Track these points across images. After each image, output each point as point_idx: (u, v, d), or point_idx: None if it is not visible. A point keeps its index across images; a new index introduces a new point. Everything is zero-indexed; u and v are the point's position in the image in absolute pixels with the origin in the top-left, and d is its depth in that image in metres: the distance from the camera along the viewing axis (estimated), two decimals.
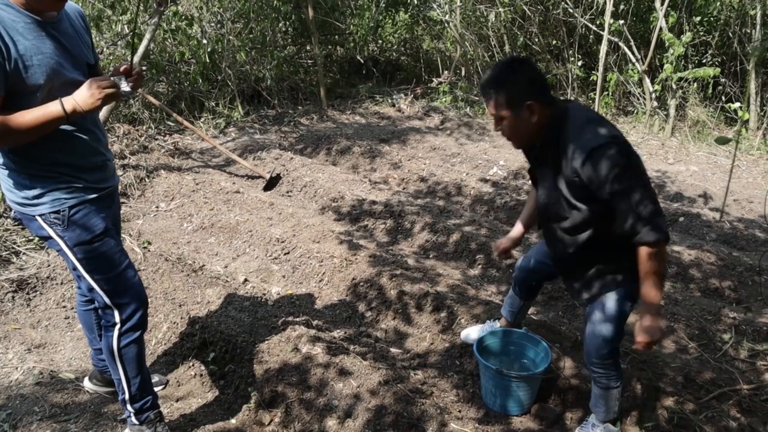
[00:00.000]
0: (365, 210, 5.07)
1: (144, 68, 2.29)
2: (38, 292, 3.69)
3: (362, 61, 9.11)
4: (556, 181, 2.27)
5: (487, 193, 5.50)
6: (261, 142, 6.65)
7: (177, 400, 2.90)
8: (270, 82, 7.85)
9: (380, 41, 9.79)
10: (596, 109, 7.31)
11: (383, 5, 8.95)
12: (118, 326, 2.35)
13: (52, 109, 2.00)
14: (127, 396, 2.45)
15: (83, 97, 2.01)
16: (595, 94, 7.44)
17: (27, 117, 1.97)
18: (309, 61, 8.80)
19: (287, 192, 5.61)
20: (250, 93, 7.94)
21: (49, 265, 3.88)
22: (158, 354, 3.27)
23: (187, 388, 3.04)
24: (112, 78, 2.12)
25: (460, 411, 2.86)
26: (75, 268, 2.28)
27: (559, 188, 2.26)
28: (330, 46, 9.16)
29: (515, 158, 6.32)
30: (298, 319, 3.55)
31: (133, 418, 2.49)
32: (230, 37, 7.49)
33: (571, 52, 8.06)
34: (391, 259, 4.21)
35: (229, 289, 3.80)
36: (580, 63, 7.91)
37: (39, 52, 2.01)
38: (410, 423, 2.66)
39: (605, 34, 6.84)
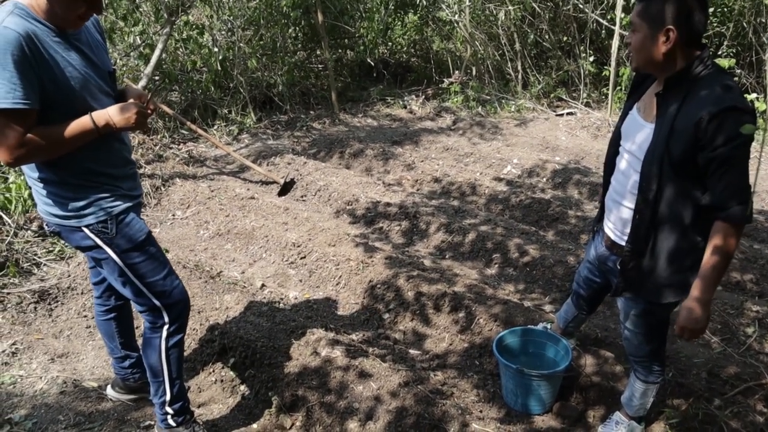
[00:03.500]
0: (380, 212, 5.07)
1: (155, 94, 2.36)
2: (59, 303, 3.72)
3: (372, 63, 9.11)
4: (664, 131, 2.04)
5: (501, 192, 5.47)
6: (274, 148, 6.67)
7: (198, 406, 2.92)
8: (281, 87, 7.87)
9: (390, 43, 9.78)
10: (609, 104, 7.27)
11: (392, 7, 8.96)
12: (166, 326, 2.42)
13: (83, 123, 2.05)
14: (168, 397, 2.51)
15: (118, 114, 2.08)
16: (607, 90, 7.39)
17: (61, 130, 2.01)
18: (320, 66, 8.82)
19: (302, 196, 5.62)
20: (262, 99, 7.97)
21: (69, 276, 3.92)
22: None
23: (208, 394, 3.05)
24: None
25: (481, 411, 2.84)
26: (122, 275, 2.32)
27: (665, 141, 2.03)
28: (340, 50, 9.17)
29: (529, 156, 6.30)
30: (316, 323, 3.56)
31: (171, 420, 2.54)
32: (241, 45, 7.53)
33: (582, 47, 8.01)
34: (408, 260, 4.21)
35: (246, 295, 3.81)
36: (591, 58, 7.85)
37: (69, 65, 2.04)
38: (431, 424, 2.65)
39: (617, 29, 6.79)
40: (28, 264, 3.98)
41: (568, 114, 7.74)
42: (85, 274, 3.92)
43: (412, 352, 3.34)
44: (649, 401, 2.59)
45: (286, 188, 5.48)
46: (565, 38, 8.41)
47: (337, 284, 4.08)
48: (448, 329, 3.52)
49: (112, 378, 2.96)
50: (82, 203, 2.19)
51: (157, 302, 2.38)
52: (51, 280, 3.87)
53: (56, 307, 3.69)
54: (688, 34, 1.98)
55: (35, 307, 3.63)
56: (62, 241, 4.24)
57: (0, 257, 3.88)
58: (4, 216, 4.18)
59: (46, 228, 2.35)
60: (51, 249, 4.18)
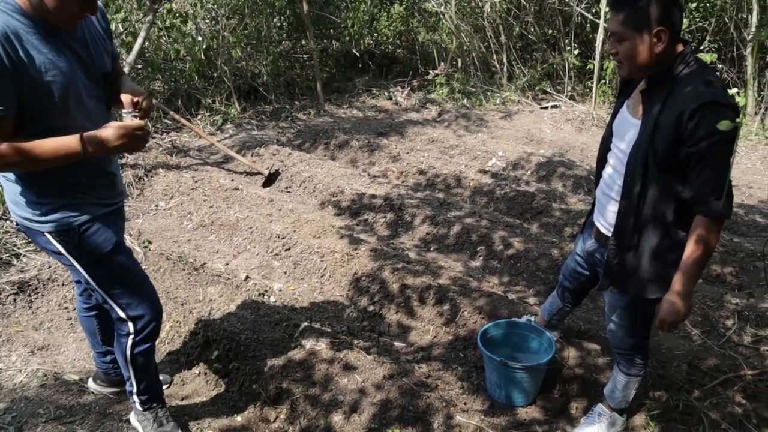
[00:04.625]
0: (365, 204, 5.06)
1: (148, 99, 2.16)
2: (40, 294, 3.68)
3: (358, 54, 9.08)
4: (648, 128, 2.06)
5: (486, 184, 5.49)
6: (259, 139, 6.63)
7: (182, 399, 2.90)
8: (266, 77, 7.82)
9: (375, 34, 9.75)
10: (593, 98, 7.30)
11: None
12: (132, 336, 2.35)
13: (70, 145, 1.89)
14: (134, 390, 2.50)
15: (112, 140, 1.93)
16: (592, 83, 7.43)
17: (43, 148, 1.87)
18: (305, 56, 8.77)
19: (286, 188, 5.60)
20: (247, 89, 7.91)
21: (50, 267, 3.87)
22: (162, 353, 3.27)
23: (192, 387, 3.04)
24: (123, 113, 2.04)
25: (465, 403, 2.86)
26: (88, 283, 2.25)
27: (650, 137, 2.04)
28: (325, 41, 9.12)
29: (513, 149, 6.31)
30: (301, 315, 3.55)
31: (138, 405, 2.54)
32: (225, 34, 7.46)
33: (567, 41, 8.04)
34: (393, 252, 4.21)
35: (230, 287, 3.79)
36: (576, 52, 7.89)
37: (54, 67, 1.88)
38: (416, 416, 2.67)
39: (601, 23, 6.82)
40: (7, 255, 3.93)
41: (552, 107, 7.77)
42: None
43: (397, 344, 3.35)
44: (631, 393, 2.61)
45: (270, 179, 5.45)
46: (550, 31, 8.43)
47: (321, 276, 4.08)
48: (433, 322, 3.53)
49: (94, 371, 2.93)
50: (45, 208, 2.08)
51: (122, 314, 2.30)
52: (31, 271, 3.83)
53: (36, 298, 3.64)
54: (673, 31, 2.00)
55: (14, 299, 3.58)
56: None
57: None
58: None
59: (16, 226, 2.26)
60: (30, 240, 4.12)
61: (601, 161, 2.43)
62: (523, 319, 3.20)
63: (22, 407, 2.74)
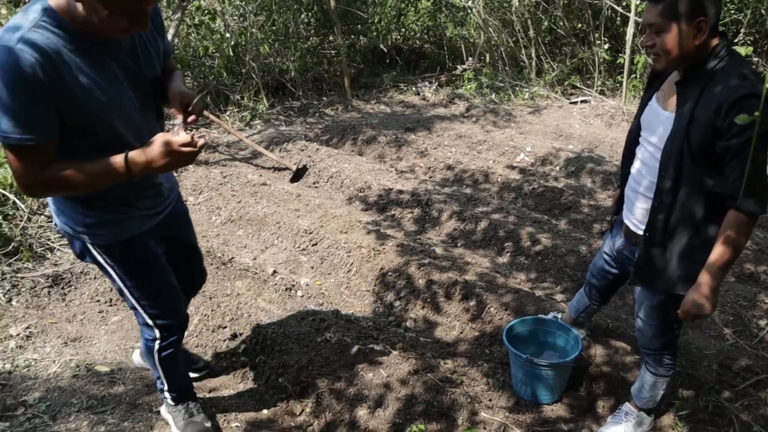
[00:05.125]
0: (392, 199, 5.06)
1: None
2: (73, 287, 3.76)
3: (385, 50, 9.07)
4: (683, 121, 2.00)
5: (514, 180, 5.45)
6: (287, 134, 6.67)
7: (209, 392, 2.94)
8: (294, 73, 7.86)
9: (403, 29, 9.72)
10: (624, 92, 7.19)
11: None
12: (158, 341, 2.39)
13: (114, 169, 1.78)
14: (165, 387, 2.56)
15: (157, 159, 1.78)
16: (622, 78, 7.31)
17: (84, 174, 1.76)
18: (332, 52, 8.78)
19: (314, 183, 5.63)
20: (275, 85, 7.96)
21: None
22: (190, 345, 3.32)
23: (219, 380, 3.08)
24: (172, 123, 1.91)
25: (490, 400, 2.85)
26: (120, 290, 2.26)
27: (685, 130, 2.00)
28: (353, 36, 9.13)
29: (542, 144, 6.25)
30: (327, 310, 3.57)
31: (170, 401, 2.59)
32: (253, 30, 7.51)
33: (597, 35, 7.92)
34: (419, 248, 4.21)
35: (258, 281, 3.83)
36: (606, 46, 7.76)
37: (98, 87, 1.75)
38: (440, 412, 2.67)
39: (632, 16, 6.70)
40: (42, 249, 4.02)
41: (582, 102, 7.67)
42: None
43: (423, 339, 3.35)
44: (659, 393, 2.58)
45: (298, 175, 5.49)
46: (579, 25, 8.30)
47: (348, 271, 4.09)
48: (459, 317, 3.52)
49: (134, 351, 3.04)
50: (89, 220, 2.02)
51: (149, 321, 2.33)
52: (64, 264, 3.91)
53: (69, 291, 3.72)
54: (713, 21, 1.96)
55: (49, 292, 3.67)
56: None
57: (14, 242, 3.92)
58: (18, 201, 4.22)
59: (54, 225, 2.27)
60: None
61: (628, 156, 2.39)
62: (550, 316, 3.17)
63: (55, 396, 2.81)
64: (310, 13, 8.50)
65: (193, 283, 2.72)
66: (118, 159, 1.77)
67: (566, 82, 8.10)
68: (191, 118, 1.96)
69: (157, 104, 2.04)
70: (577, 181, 5.55)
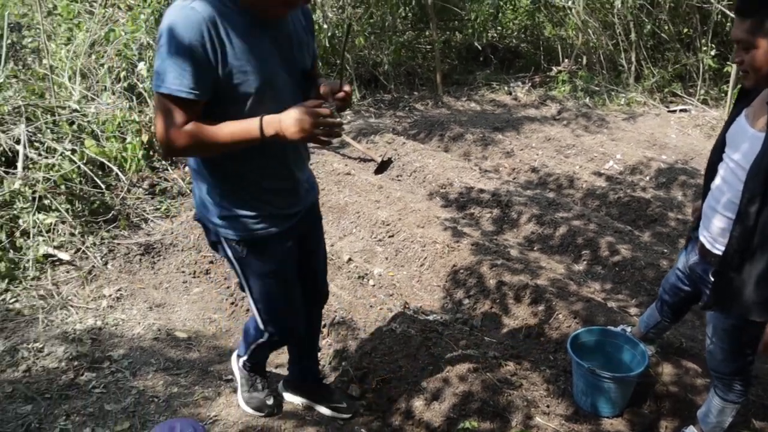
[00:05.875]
0: (473, 198, 5.07)
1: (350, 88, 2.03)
2: (162, 257, 4.02)
3: (480, 47, 9.02)
4: None
5: (600, 187, 5.32)
6: (375, 126, 6.78)
7: (276, 367, 3.09)
8: (387, 67, 7.97)
9: (500, 28, 9.63)
10: (728, 103, 6.83)
11: None
12: (261, 340, 2.43)
13: (249, 128, 1.79)
14: (245, 358, 2.62)
15: (290, 124, 1.77)
16: (727, 87, 6.95)
17: (222, 132, 1.79)
18: (427, 47, 8.83)
19: (397, 176, 5.71)
20: (368, 77, 8.10)
21: (172, 233, 4.22)
22: None
23: (285, 357, 3.21)
24: (325, 105, 1.84)
25: (548, 406, 2.83)
26: (242, 287, 2.28)
27: None
28: (448, 32, 9.13)
29: (633, 152, 6.06)
30: (396, 301, 3.65)
31: (242, 365, 2.67)
32: (351, 22, 7.66)
33: (703, 41, 7.55)
34: (494, 248, 4.20)
35: (332, 267, 3.95)
36: (713, 53, 7.39)
37: (256, 58, 1.81)
38: (495, 412, 2.68)
39: None
40: (138, 219, 4.32)
41: (681, 111, 7.35)
42: (187, 232, 4.20)
43: (487, 339, 3.36)
44: (727, 420, 2.48)
45: (383, 167, 5.57)
46: (685, 30, 7.94)
47: (421, 265, 4.15)
48: (526, 321, 3.51)
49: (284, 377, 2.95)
50: (224, 213, 2.04)
51: (261, 325, 2.34)
52: (156, 235, 4.19)
53: (158, 260, 3.98)
54: None
55: (140, 259, 3.94)
56: (168, 201, 4.57)
57: (113, 211, 4.23)
58: (120, 173, 4.55)
59: (194, 216, 2.26)
60: (158, 207, 4.51)
61: (711, 171, 2.31)
62: (619, 328, 3.11)
63: (137, 355, 3.04)
64: (407, 8, 8.57)
65: (313, 299, 2.54)
66: (253, 119, 1.81)
67: (666, 90, 7.79)
68: (339, 94, 1.95)
69: (306, 95, 2.02)
70: (667, 193, 5.35)
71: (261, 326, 2.34)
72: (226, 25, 1.73)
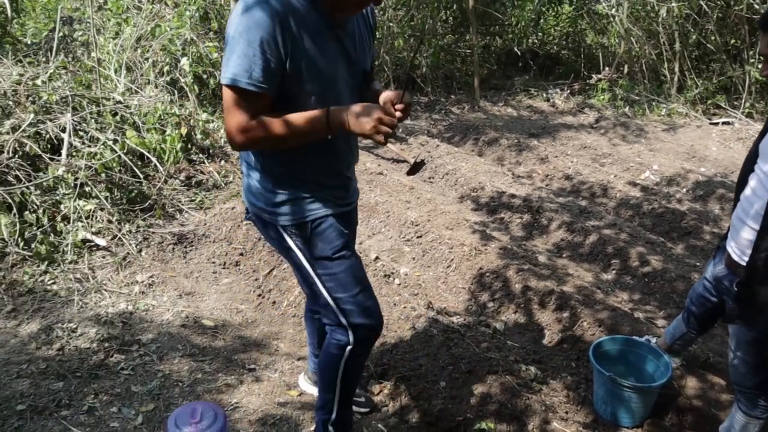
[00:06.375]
0: (503, 202, 5.06)
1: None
2: (194, 247, 4.12)
3: (520, 53, 8.98)
4: None
5: (634, 197, 5.26)
6: (410, 128, 6.82)
7: (298, 359, 3.14)
8: (425, 69, 7.99)
9: (541, 34, 9.58)
10: None
11: None
12: (350, 347, 2.14)
13: (317, 119, 1.79)
14: (333, 417, 2.31)
15: (358, 120, 1.77)
16: None
17: (290, 124, 1.78)
18: (466, 51, 8.83)
19: (429, 178, 5.73)
20: (405, 79, 8.13)
21: (205, 224, 4.31)
22: (289, 315, 3.55)
23: (306, 351, 3.27)
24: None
25: (566, 412, 2.82)
26: (312, 284, 2.10)
27: None
28: (488, 37, 9.13)
29: (671, 164, 5.97)
30: (420, 301, 3.67)
31: (330, 426, 2.34)
32: (390, 24, 7.72)
33: (751, 53, 7.39)
34: (521, 253, 4.19)
35: None
36: (761, 65, 7.22)
37: (322, 56, 1.81)
38: (513, 415, 2.69)
39: None
40: (173, 209, 4.43)
41: (724, 123, 7.21)
42: (219, 224, 4.29)
43: (509, 343, 3.36)
44: None
45: (415, 168, 5.56)
46: (732, 41, 7.79)
47: (447, 267, 4.16)
48: (550, 327, 3.50)
49: (306, 368, 2.90)
50: (280, 197, 1.99)
51: (343, 320, 2.10)
52: (189, 226, 4.29)
53: (190, 250, 4.08)
54: None
55: (173, 248, 4.04)
56: (204, 193, 4.68)
57: (150, 200, 4.35)
58: (158, 164, 4.67)
59: (246, 216, 2.20)
60: (193, 198, 4.62)
61: (742, 182, 2.28)
62: (643, 338, 3.07)
63: (165, 340, 3.12)
64: (448, 11, 8.59)
65: None
66: (318, 110, 1.80)
67: (709, 101, 7.65)
68: (399, 105, 1.88)
69: (364, 95, 2.02)
70: (703, 206, 5.26)
71: (344, 320, 2.11)
72: (298, 22, 1.73)
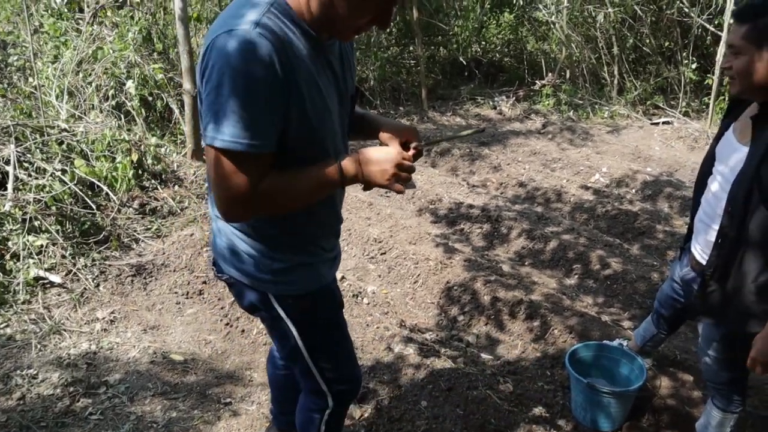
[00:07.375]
0: (462, 213, 5.10)
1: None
2: (154, 278, 3.99)
3: (465, 62, 9.11)
4: (756, 158, 1.95)
5: (587, 200, 5.39)
6: (361, 142, 6.80)
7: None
8: (373, 82, 8.01)
9: (484, 42, 9.74)
10: (710, 115, 6.97)
11: (488, 6, 8.90)
12: (329, 410, 2.02)
13: (329, 179, 1.53)
14: None
15: (374, 171, 1.54)
16: (709, 99, 7.09)
17: (300, 188, 1.52)
18: (412, 62, 8.90)
19: (386, 192, 5.72)
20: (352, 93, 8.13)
21: (164, 253, 4.18)
22: (259, 343, 3.47)
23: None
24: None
25: (547, 422, 2.85)
26: (295, 351, 1.87)
27: (757, 168, 1.94)
28: (433, 47, 9.22)
29: (619, 165, 6.14)
30: (392, 319, 3.65)
31: None
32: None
33: (684, 54, 7.70)
34: (486, 264, 4.23)
35: None
36: (694, 66, 7.54)
37: (318, 91, 1.50)
38: (497, 429, 2.70)
39: (723, 35, 6.49)
40: (129, 239, 4.29)
41: (664, 123, 7.48)
42: (179, 252, 4.17)
43: (484, 356, 3.38)
44: (727, 431, 2.52)
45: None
46: (666, 43, 8.11)
47: (414, 282, 4.16)
48: (522, 337, 3.53)
49: (268, 425, 2.72)
50: (278, 266, 1.70)
51: (324, 388, 1.96)
52: (147, 256, 4.16)
53: (150, 281, 3.95)
54: None
55: (132, 280, 3.91)
56: (159, 221, 4.53)
57: (104, 231, 4.20)
58: (110, 193, 4.51)
59: (213, 271, 1.88)
60: (149, 227, 4.48)
61: (700, 185, 2.35)
62: (615, 342, 3.14)
63: (134, 380, 3.01)
64: (392, 23, 8.64)
65: None
66: (327, 163, 1.54)
67: (649, 102, 7.92)
68: (414, 143, 1.69)
69: (350, 124, 1.78)
70: (653, 205, 5.43)
71: (325, 389, 1.96)
72: (292, 53, 1.41)
